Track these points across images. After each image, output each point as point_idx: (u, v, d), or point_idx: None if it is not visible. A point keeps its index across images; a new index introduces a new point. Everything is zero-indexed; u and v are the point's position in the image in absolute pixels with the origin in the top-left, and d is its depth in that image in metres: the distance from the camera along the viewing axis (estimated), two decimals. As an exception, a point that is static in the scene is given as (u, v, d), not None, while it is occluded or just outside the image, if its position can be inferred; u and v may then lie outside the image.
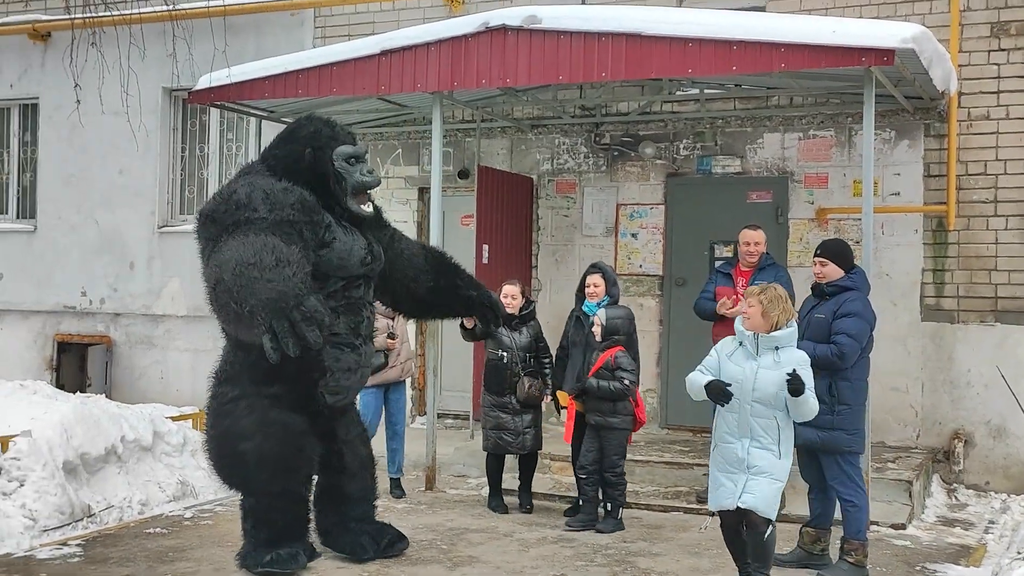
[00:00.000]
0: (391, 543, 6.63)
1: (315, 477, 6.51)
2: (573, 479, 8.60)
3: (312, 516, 6.52)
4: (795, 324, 5.84)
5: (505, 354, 8.09)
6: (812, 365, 6.23)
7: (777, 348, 5.71)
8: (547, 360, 8.31)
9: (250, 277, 5.01)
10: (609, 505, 7.59)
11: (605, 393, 7.48)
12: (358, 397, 8.60)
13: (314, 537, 6.57)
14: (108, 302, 12.68)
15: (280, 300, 4.89)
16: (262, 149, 10.53)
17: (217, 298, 5.27)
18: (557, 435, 9.77)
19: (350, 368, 6.27)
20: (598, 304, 7.91)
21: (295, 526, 6.22)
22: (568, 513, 7.99)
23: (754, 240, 8.11)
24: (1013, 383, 9.12)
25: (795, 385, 5.54)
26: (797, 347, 5.93)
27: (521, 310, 8.21)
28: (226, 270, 5.16)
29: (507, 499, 8.31)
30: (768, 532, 5.72)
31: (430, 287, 6.91)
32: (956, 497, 9.04)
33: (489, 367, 8.20)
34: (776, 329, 5.73)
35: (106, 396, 10.54)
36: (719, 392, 5.68)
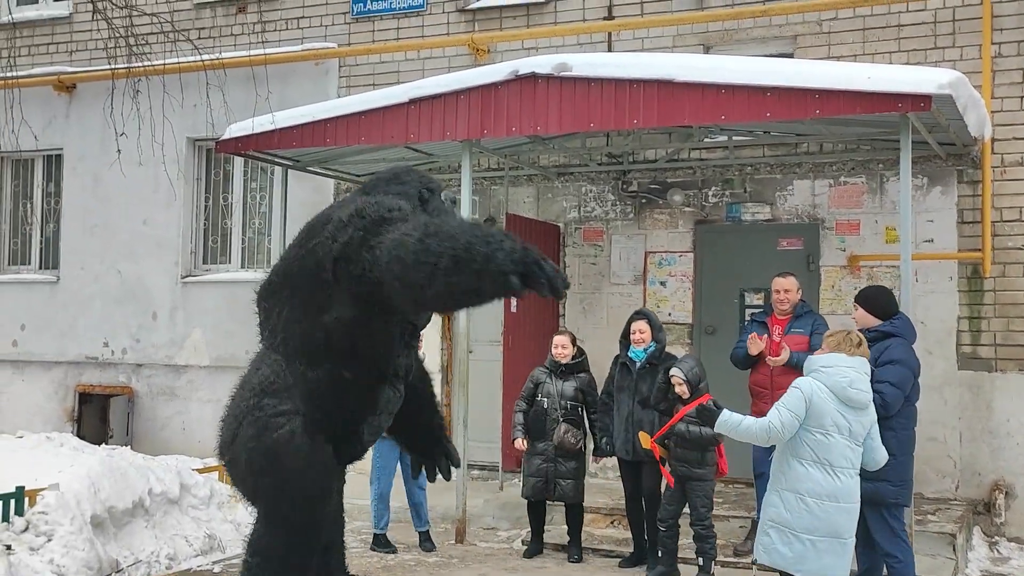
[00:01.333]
0: None
1: None
2: (605, 530, 8.48)
3: None
4: (833, 356, 5.75)
5: (546, 400, 8.07)
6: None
7: None
8: (595, 415, 8.25)
9: (484, 231, 4.59)
10: (702, 560, 7.42)
11: (696, 438, 7.32)
12: (372, 449, 8.50)
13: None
14: (130, 352, 12.60)
15: (528, 249, 4.49)
16: (286, 199, 10.73)
17: (427, 249, 4.69)
18: (589, 487, 9.64)
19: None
20: (644, 350, 7.86)
21: (302, 566, 5.86)
22: (624, 564, 7.92)
23: (784, 288, 8.01)
24: (1054, 432, 8.97)
25: (703, 415, 5.70)
26: None
27: (574, 357, 8.21)
28: (442, 225, 4.75)
29: (549, 553, 8.25)
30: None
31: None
32: (998, 551, 8.83)
33: (533, 414, 8.24)
34: None
35: (129, 448, 10.40)
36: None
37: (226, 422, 5.80)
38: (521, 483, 8.36)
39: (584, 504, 8.86)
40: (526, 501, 8.35)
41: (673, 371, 7.52)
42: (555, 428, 8.05)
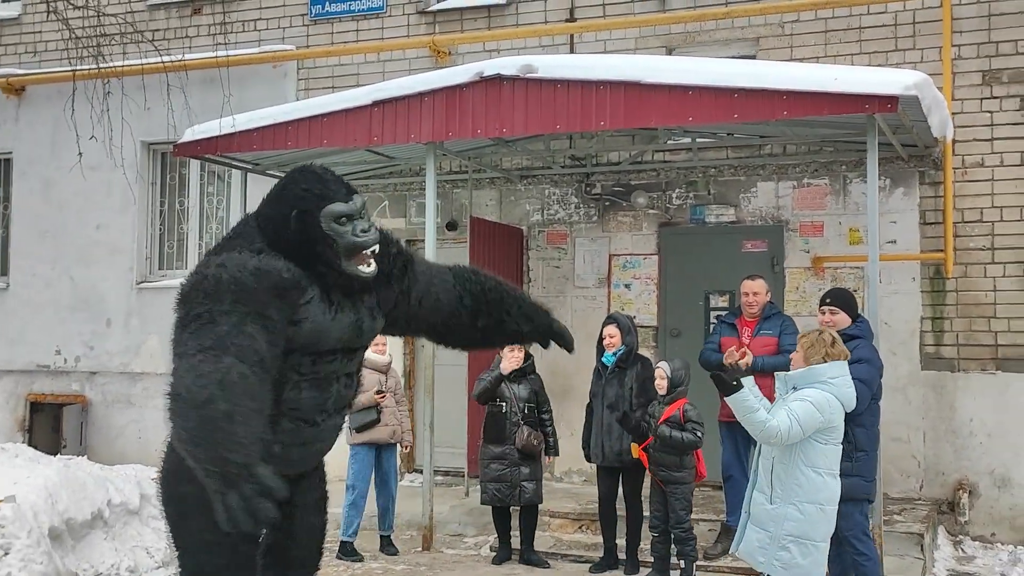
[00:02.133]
0: None
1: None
2: (573, 535, 8.42)
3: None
4: (836, 365, 5.61)
5: (504, 404, 8.00)
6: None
7: (795, 388, 5.56)
8: (547, 415, 8.23)
9: (201, 428, 4.50)
10: (683, 563, 7.40)
11: (677, 443, 7.32)
12: (348, 455, 8.37)
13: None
14: (84, 360, 12.33)
15: (233, 471, 4.53)
16: (246, 203, 10.54)
17: (173, 431, 4.82)
18: (555, 491, 9.57)
19: (304, 442, 5.86)
20: (614, 354, 7.82)
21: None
22: (593, 570, 7.88)
23: (753, 290, 8.01)
24: (1016, 432, 9.05)
25: (719, 383, 5.44)
26: None
27: (524, 360, 8.12)
28: (179, 409, 4.67)
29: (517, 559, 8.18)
30: None
31: (467, 325, 6.00)
32: (963, 549, 8.88)
33: (489, 418, 8.15)
34: None
35: (84, 457, 10.17)
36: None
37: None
38: (481, 489, 8.28)
39: (551, 509, 8.82)
40: (491, 507, 8.28)
41: (660, 364, 7.57)
42: (515, 431, 7.99)
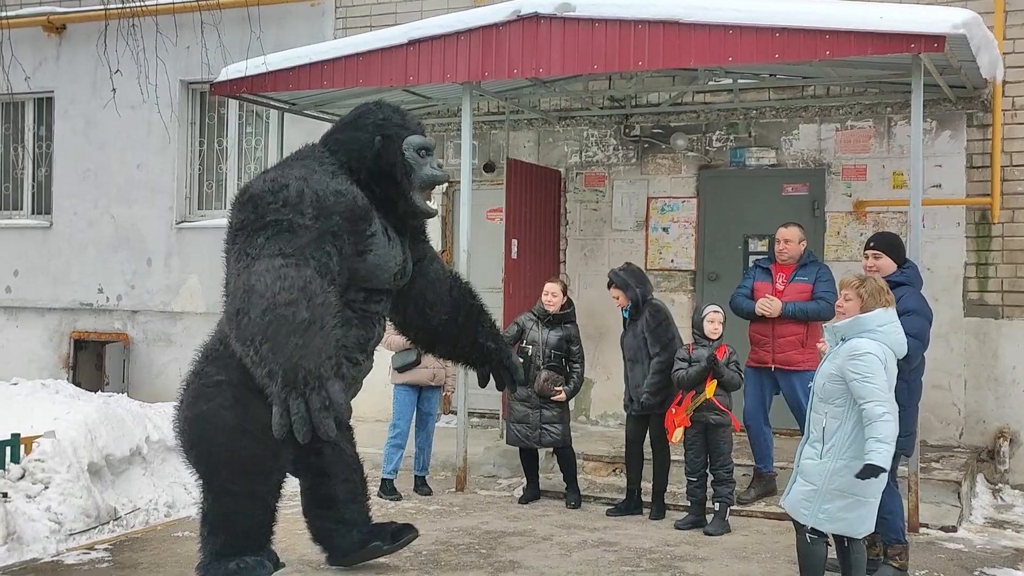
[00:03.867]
0: (397, 533, 6.26)
1: (293, 484, 6.13)
2: (607, 479, 8.44)
3: (308, 525, 6.29)
4: (883, 313, 5.40)
5: (531, 347, 8.00)
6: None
7: (844, 339, 5.38)
8: (577, 363, 8.22)
9: (278, 330, 4.49)
10: (718, 505, 7.42)
11: (728, 379, 7.39)
12: (392, 394, 8.42)
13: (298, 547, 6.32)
14: (125, 299, 12.46)
15: (302, 376, 4.41)
16: (282, 143, 10.53)
17: (237, 327, 4.73)
18: (590, 434, 9.58)
19: (346, 382, 5.72)
20: (625, 310, 7.81)
21: (256, 533, 5.66)
22: (611, 513, 7.89)
23: (785, 238, 7.93)
24: (1060, 380, 8.90)
25: (863, 475, 5.14)
26: None
27: (563, 308, 8.07)
28: (256, 305, 4.60)
29: (545, 499, 8.28)
30: (807, 540, 5.39)
31: (444, 320, 6.29)
32: (1002, 497, 8.77)
33: None
34: None
35: (125, 395, 10.30)
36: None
37: (183, 384, 5.74)
38: (506, 430, 8.36)
39: (585, 452, 8.83)
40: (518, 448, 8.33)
41: (714, 308, 7.58)
42: (537, 374, 7.96)
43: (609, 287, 7.94)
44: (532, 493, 8.31)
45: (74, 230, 12.70)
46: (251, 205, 5.25)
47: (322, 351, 4.59)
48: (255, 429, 5.35)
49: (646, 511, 7.85)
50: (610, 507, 8.00)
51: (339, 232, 5.36)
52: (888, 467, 5.21)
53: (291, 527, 6.61)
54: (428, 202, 5.93)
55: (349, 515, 6.18)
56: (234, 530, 5.58)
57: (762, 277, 8.05)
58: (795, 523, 5.51)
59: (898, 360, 5.92)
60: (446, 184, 5.99)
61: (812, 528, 5.32)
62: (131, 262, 12.41)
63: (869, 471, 5.10)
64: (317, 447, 5.91)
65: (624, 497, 8.01)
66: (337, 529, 6.18)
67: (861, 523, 5.29)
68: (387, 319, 6.14)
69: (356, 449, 6.43)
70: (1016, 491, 8.89)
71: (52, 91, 12.81)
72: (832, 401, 5.36)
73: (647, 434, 7.87)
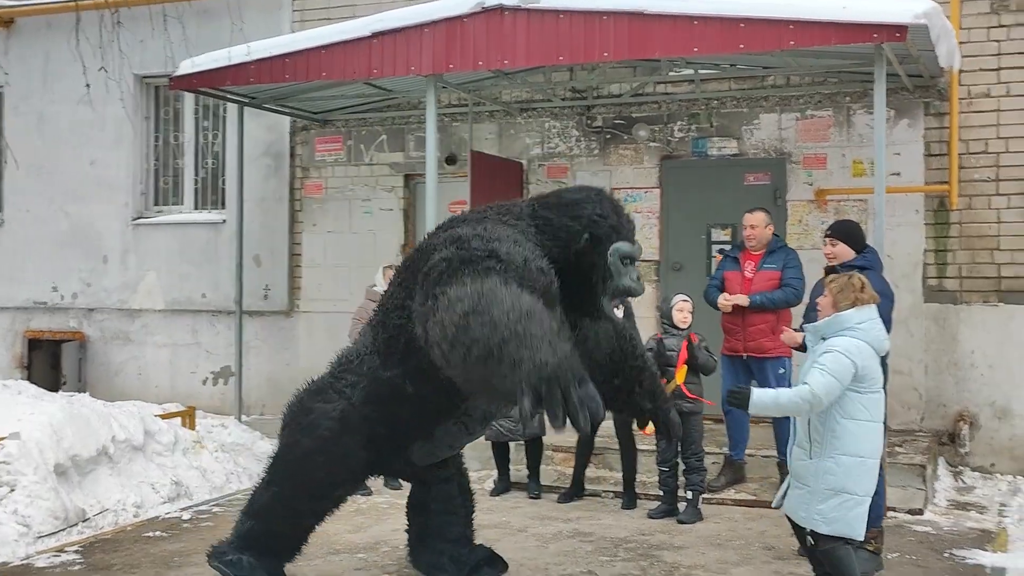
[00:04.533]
0: (477, 567, 5.96)
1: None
2: (573, 471, 8.45)
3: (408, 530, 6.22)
4: (863, 310, 5.36)
5: None
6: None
7: (824, 338, 5.36)
8: None
9: (530, 330, 4.20)
10: (690, 494, 7.47)
11: (704, 362, 7.44)
12: None
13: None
14: (81, 297, 12.27)
15: (564, 367, 4.10)
16: (242, 138, 10.42)
17: (468, 327, 4.35)
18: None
19: (450, 446, 5.75)
20: None
21: (278, 538, 5.68)
22: (561, 500, 8.02)
23: (751, 223, 7.99)
24: (1018, 364, 9.08)
25: (733, 400, 5.29)
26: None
27: None
28: (496, 307, 4.32)
29: (516, 491, 8.35)
30: (837, 552, 5.27)
31: (600, 382, 5.73)
32: (963, 480, 8.94)
33: None
34: None
35: (87, 395, 10.15)
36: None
37: (323, 375, 5.78)
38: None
39: (554, 443, 8.85)
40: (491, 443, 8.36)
41: (682, 297, 7.58)
42: None
43: None
44: (504, 485, 8.36)
45: (26, 228, 12.47)
46: (459, 244, 4.98)
47: (576, 355, 4.32)
48: (337, 455, 5.41)
49: (615, 501, 7.91)
50: (560, 494, 8.16)
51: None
52: (750, 413, 5.37)
53: (335, 524, 6.56)
54: (617, 310, 5.74)
55: (442, 528, 6.02)
56: (263, 523, 5.61)
57: (731, 266, 8.10)
58: (795, 529, 5.46)
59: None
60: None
61: (811, 531, 5.27)
62: (86, 259, 12.21)
63: (737, 397, 5.26)
64: (423, 478, 5.89)
65: (570, 485, 8.18)
66: (425, 543, 6.08)
67: (857, 522, 5.21)
68: None
69: (458, 459, 6.23)
70: (976, 473, 9.07)
71: (2, 86, 12.56)
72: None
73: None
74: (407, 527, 6.14)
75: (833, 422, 5.20)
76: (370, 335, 5.59)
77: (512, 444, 8.46)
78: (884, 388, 6.35)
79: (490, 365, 4.20)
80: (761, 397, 5.31)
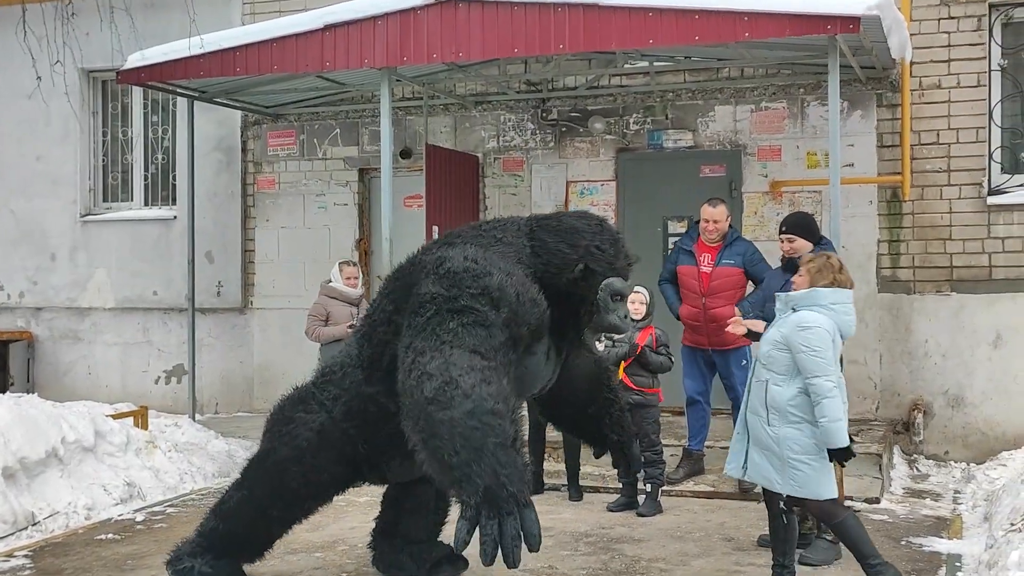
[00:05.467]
0: (437, 564, 5.91)
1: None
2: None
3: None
4: (840, 292, 5.45)
5: None
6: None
7: (795, 309, 5.44)
8: None
9: (483, 441, 4.19)
10: (649, 486, 7.44)
11: (657, 365, 7.42)
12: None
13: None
14: (28, 296, 12.04)
15: (504, 499, 4.09)
16: (192, 132, 10.24)
17: (427, 418, 4.39)
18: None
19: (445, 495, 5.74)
20: None
21: (240, 546, 5.64)
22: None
23: (713, 217, 7.93)
24: (969, 353, 9.18)
25: (837, 458, 5.34)
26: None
27: None
28: (459, 403, 4.31)
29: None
30: (846, 523, 5.43)
31: (573, 406, 6.02)
32: (917, 468, 9.03)
33: None
34: None
35: (36, 395, 9.94)
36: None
37: (306, 382, 5.73)
38: None
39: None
40: None
41: (637, 289, 7.47)
42: None
43: None
44: None
45: (-29, 225, 12.22)
46: (448, 280, 4.90)
47: (524, 474, 4.28)
48: (313, 468, 5.34)
49: (558, 493, 7.93)
50: None
51: (519, 342, 5.08)
52: (846, 443, 5.29)
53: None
54: (599, 344, 5.71)
55: (407, 527, 5.96)
56: (230, 525, 5.55)
57: (685, 259, 8.06)
58: (767, 494, 5.53)
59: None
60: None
61: (788, 496, 5.38)
62: (33, 257, 11.99)
63: (840, 455, 5.25)
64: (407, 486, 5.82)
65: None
66: (387, 538, 5.99)
67: (828, 480, 5.36)
68: None
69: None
70: (931, 461, 9.17)
71: (-57, 81, 12.27)
72: (775, 368, 5.43)
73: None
74: (376, 517, 6.07)
75: (791, 391, 5.35)
76: (355, 347, 5.50)
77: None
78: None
79: (442, 469, 4.24)
80: (828, 428, 5.24)
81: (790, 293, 5.53)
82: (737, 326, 6.26)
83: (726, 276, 7.80)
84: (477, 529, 4.11)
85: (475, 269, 4.99)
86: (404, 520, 5.93)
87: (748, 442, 5.56)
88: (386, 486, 6.05)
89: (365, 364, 5.37)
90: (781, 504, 5.44)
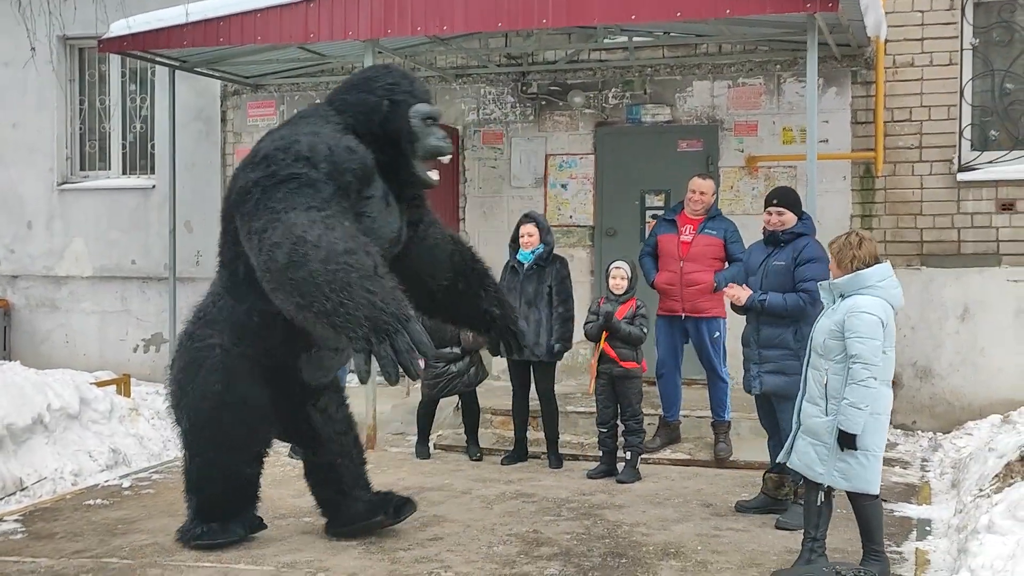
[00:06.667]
0: (396, 510, 6.13)
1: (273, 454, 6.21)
2: (514, 433, 8.52)
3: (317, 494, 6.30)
4: (881, 268, 5.43)
5: None
6: (783, 315, 6.31)
7: (843, 296, 5.43)
8: None
9: (347, 279, 4.40)
10: (629, 454, 7.62)
11: (626, 337, 7.50)
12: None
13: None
14: (5, 264, 12.01)
15: (386, 321, 4.32)
16: (174, 101, 10.26)
17: (289, 281, 4.57)
18: (495, 390, 9.69)
19: (338, 348, 5.76)
20: (532, 252, 7.92)
21: (228, 499, 5.85)
22: (504, 462, 8.14)
23: (701, 189, 8.09)
24: (938, 325, 9.41)
25: (840, 443, 5.31)
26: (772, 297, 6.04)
27: None
28: (313, 255, 4.50)
29: (454, 454, 8.42)
30: (871, 509, 5.43)
31: (444, 286, 6.16)
32: (887, 438, 9.24)
33: (428, 329, 8.13)
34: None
35: (18, 363, 9.98)
36: None
37: (177, 346, 5.87)
38: (421, 391, 8.47)
39: (492, 407, 8.97)
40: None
41: (619, 264, 7.65)
42: (451, 336, 8.11)
43: (523, 224, 8.01)
44: (425, 449, 8.48)
45: (-55, 193, 12.16)
46: (264, 163, 5.14)
47: (395, 293, 4.50)
48: (237, 402, 5.52)
49: (538, 460, 8.12)
50: (504, 456, 8.26)
51: (349, 190, 5.28)
52: (856, 432, 5.26)
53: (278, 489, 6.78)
54: (432, 173, 5.83)
55: (348, 482, 6.11)
56: (206, 494, 5.73)
57: (667, 229, 8.21)
58: (807, 482, 5.54)
59: (805, 306, 6.24)
60: (449, 157, 5.84)
61: (828, 487, 5.42)
62: (10, 225, 11.96)
63: (844, 439, 5.25)
64: (306, 415, 5.94)
65: (513, 447, 8.28)
66: (338, 499, 6.13)
67: (874, 476, 5.36)
68: None
69: (348, 411, 6.34)
70: (898, 431, 9.40)
71: (-83, 48, 12.16)
72: (832, 357, 5.39)
73: (533, 387, 8.09)
74: (318, 506, 6.23)
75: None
76: (217, 281, 5.75)
77: (447, 407, 8.54)
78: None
79: (324, 322, 4.48)
80: (848, 412, 5.25)
81: (833, 281, 5.50)
82: (739, 290, 6.50)
83: (706, 244, 7.97)
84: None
85: (283, 143, 5.24)
86: (341, 474, 6.11)
87: (798, 430, 5.59)
88: (304, 468, 6.26)
89: (229, 287, 5.60)
90: (820, 495, 5.45)
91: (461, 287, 6.20)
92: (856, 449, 5.27)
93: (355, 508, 6.10)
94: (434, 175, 5.83)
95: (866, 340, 5.22)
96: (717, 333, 7.98)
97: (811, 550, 5.50)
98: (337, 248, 4.57)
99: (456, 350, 8.20)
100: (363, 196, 5.44)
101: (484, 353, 8.16)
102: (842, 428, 5.26)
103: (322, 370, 5.83)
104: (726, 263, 8.00)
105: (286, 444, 6.33)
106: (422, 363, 4.44)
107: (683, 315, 8.03)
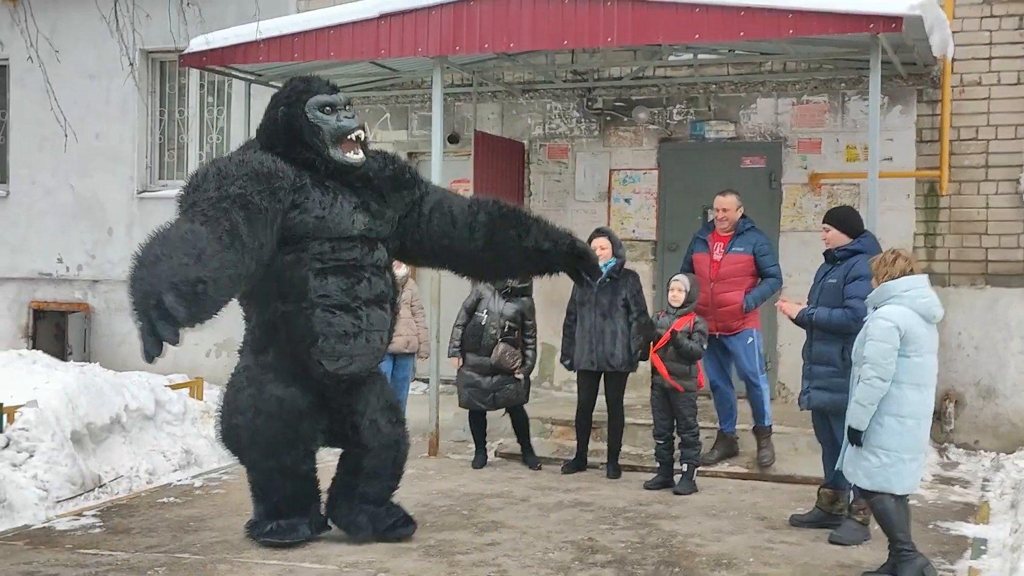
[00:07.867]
0: (392, 527, 6.25)
1: (326, 449, 6.40)
2: (575, 444, 8.64)
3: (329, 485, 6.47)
4: (908, 280, 5.73)
5: (485, 316, 8.30)
6: (829, 330, 6.45)
7: (875, 307, 5.74)
8: (531, 339, 8.48)
9: (133, 275, 4.86)
10: (686, 466, 7.74)
11: (685, 352, 7.63)
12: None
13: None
14: (86, 269, 12.46)
15: (143, 299, 4.72)
16: (249, 114, 10.58)
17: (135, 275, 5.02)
18: (555, 400, 9.84)
19: (346, 332, 5.90)
20: (605, 265, 8.03)
21: (294, 500, 6.10)
22: (565, 470, 8.27)
23: (723, 206, 8.24)
24: (1003, 345, 9.37)
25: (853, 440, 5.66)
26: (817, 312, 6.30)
27: (521, 280, 8.28)
28: (132, 260, 5.03)
29: (515, 463, 8.60)
30: (880, 505, 5.66)
31: (480, 246, 6.29)
32: (948, 456, 9.24)
33: (470, 327, 8.39)
34: None
35: (98, 364, 10.35)
36: None
37: None
38: (457, 394, 8.60)
39: (553, 417, 9.11)
40: (494, 415, 8.63)
41: (678, 278, 7.82)
42: (493, 346, 8.26)
43: (595, 238, 8.14)
44: (482, 458, 8.58)
45: (32, 199, 12.65)
46: (177, 201, 5.72)
47: (165, 275, 4.77)
48: (269, 407, 5.85)
49: (596, 471, 8.24)
50: (564, 464, 8.41)
51: (246, 193, 5.57)
52: (860, 428, 5.61)
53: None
54: (350, 154, 6.04)
55: (365, 490, 6.27)
56: (269, 500, 6.06)
57: (700, 248, 8.36)
58: (864, 492, 5.83)
59: (848, 322, 6.36)
60: (360, 132, 6.09)
61: (855, 485, 5.69)
62: (91, 231, 12.40)
63: (850, 434, 5.60)
64: (353, 421, 6.16)
65: (574, 457, 8.42)
66: (349, 503, 6.30)
67: (898, 479, 5.60)
68: (384, 270, 6.18)
69: (401, 430, 6.47)
70: (960, 450, 9.38)
71: (7, 59, 12.68)
72: (860, 365, 5.70)
73: (597, 399, 8.22)
74: (333, 479, 6.40)
75: None
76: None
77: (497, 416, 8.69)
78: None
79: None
80: (852, 408, 5.67)
81: (869, 295, 5.85)
82: (791, 305, 6.77)
83: (735, 263, 8.09)
84: None
85: (189, 181, 5.75)
86: (363, 484, 6.26)
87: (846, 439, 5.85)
88: (343, 454, 6.41)
89: (244, 311, 6.12)
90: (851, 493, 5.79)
91: (498, 238, 6.33)
92: (861, 445, 5.59)
93: (348, 514, 6.29)
94: (354, 155, 6.04)
95: (875, 342, 5.56)
96: (751, 339, 8.12)
97: (897, 552, 5.64)
98: (142, 251, 4.99)
99: (486, 363, 8.29)
100: (284, 191, 5.73)
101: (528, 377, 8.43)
102: (848, 423, 5.65)
103: (342, 359, 5.93)
104: (759, 278, 8.10)
105: (336, 452, 6.48)
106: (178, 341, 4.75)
107: (717, 335, 8.14)
